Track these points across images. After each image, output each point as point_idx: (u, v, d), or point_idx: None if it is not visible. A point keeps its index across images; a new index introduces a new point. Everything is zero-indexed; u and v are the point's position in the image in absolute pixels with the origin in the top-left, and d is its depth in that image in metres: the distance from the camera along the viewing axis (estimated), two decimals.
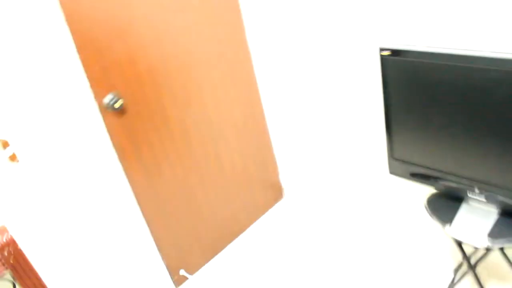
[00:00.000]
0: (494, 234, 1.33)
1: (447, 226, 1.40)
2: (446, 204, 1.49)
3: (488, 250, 1.53)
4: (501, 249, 1.56)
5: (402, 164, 1.55)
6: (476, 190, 1.37)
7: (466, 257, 1.50)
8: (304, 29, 1.84)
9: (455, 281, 1.71)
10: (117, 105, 1.61)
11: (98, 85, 1.57)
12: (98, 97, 1.58)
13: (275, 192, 2.43)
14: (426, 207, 1.53)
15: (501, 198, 1.32)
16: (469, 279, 1.69)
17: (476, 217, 1.40)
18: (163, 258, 1.91)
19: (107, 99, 1.59)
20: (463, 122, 1.29)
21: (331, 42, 1.77)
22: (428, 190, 1.58)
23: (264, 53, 2.07)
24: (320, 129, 2.06)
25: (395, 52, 1.36)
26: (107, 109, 1.61)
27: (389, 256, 1.92)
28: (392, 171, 1.61)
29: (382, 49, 1.39)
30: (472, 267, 1.53)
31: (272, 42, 2.01)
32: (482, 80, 1.19)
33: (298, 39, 1.89)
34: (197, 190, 2.01)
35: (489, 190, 1.34)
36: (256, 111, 2.21)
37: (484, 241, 1.32)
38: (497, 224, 1.36)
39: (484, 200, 1.37)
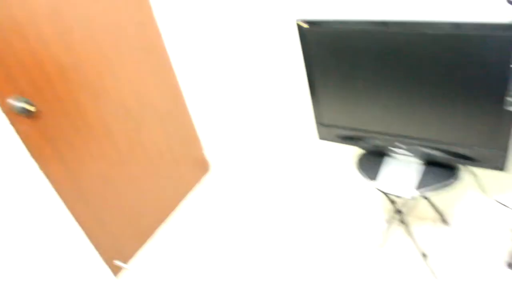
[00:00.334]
0: (418, 184, 1.46)
1: (375, 180, 1.52)
2: (374, 162, 1.60)
3: (413, 199, 1.68)
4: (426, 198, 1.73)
5: (330, 128, 1.62)
6: (400, 145, 1.49)
7: (395, 207, 1.65)
8: (218, 6, 1.79)
9: (388, 229, 1.88)
10: (29, 109, 1.48)
11: (2, 90, 1.43)
12: (3, 102, 1.44)
13: (202, 168, 2.43)
14: (355, 166, 1.63)
15: (422, 149, 1.45)
16: (399, 227, 1.87)
17: (401, 170, 1.53)
18: (97, 250, 1.85)
19: (15, 103, 1.46)
20: (383, 82, 1.37)
21: (247, 16, 1.74)
22: (358, 150, 1.68)
23: (178, 33, 2.00)
24: (244, 102, 2.06)
25: (313, 24, 1.39)
26: (19, 114, 1.47)
27: (324, 216, 2.04)
28: (322, 137, 1.68)
29: (299, 22, 1.41)
30: (401, 216, 1.69)
31: (185, 20, 1.94)
32: (396, 43, 1.26)
33: (212, 15, 1.84)
34: (123, 179, 1.94)
35: (411, 143, 1.46)
36: (175, 93, 2.15)
37: (408, 192, 1.45)
38: (420, 175, 1.49)
39: (408, 153, 1.49)
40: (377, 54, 1.32)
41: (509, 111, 1.20)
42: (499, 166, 1.33)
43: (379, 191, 1.58)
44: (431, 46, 1.21)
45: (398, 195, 1.47)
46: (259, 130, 2.13)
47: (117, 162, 1.92)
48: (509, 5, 1.00)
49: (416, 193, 1.44)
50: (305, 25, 1.39)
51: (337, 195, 2.11)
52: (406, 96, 1.36)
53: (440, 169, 1.49)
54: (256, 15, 1.70)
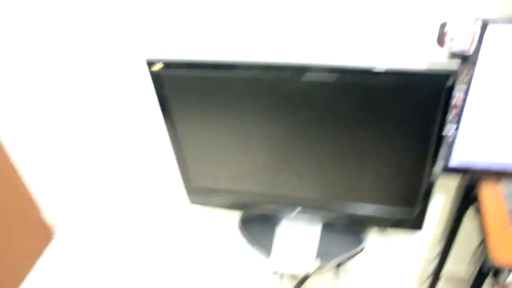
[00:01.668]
0: (322, 254, 1.18)
1: (269, 257, 1.19)
2: (262, 229, 1.28)
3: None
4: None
5: (204, 192, 1.24)
6: (296, 210, 1.18)
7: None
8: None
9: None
10: None
11: None
12: None
13: (44, 235, 1.85)
14: (241, 233, 1.28)
15: (324, 212, 1.16)
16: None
17: (298, 239, 1.23)
18: None
19: None
20: (268, 132, 1.04)
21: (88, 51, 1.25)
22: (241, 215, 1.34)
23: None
24: (95, 153, 1.56)
25: (169, 64, 0.98)
26: None
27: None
28: (194, 201, 1.29)
29: (150, 63, 0.99)
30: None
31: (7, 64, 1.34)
32: (278, 90, 0.94)
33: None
34: None
35: (309, 207, 1.16)
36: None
37: (307, 266, 1.16)
38: (321, 242, 1.21)
39: (305, 219, 1.20)
40: (253, 100, 0.98)
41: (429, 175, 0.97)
42: (417, 225, 1.12)
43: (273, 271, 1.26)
44: (335, 96, 0.91)
45: (299, 272, 1.17)
46: (116, 187, 1.64)
47: None
48: (437, 45, 0.74)
49: (317, 266, 1.15)
50: (158, 66, 0.98)
51: (218, 269, 1.74)
52: (302, 149, 1.05)
53: (344, 233, 1.23)
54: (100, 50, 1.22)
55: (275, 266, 1.18)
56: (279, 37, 1.06)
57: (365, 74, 0.85)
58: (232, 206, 1.25)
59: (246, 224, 1.31)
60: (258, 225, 1.29)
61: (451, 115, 0.80)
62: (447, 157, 0.86)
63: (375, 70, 0.84)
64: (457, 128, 0.81)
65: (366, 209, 1.12)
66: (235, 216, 1.54)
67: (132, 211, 1.70)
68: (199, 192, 1.24)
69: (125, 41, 1.18)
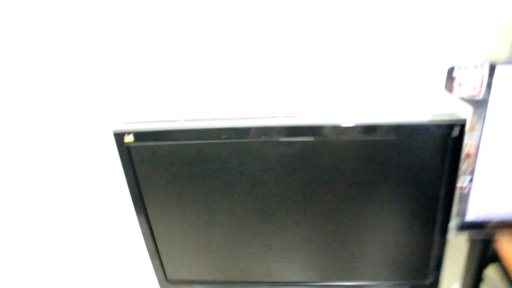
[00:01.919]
0: None
1: None
2: None
3: None
4: None
5: (183, 286, 1.06)
6: None
7: None
8: None
9: None
10: None
11: None
12: None
13: None
14: None
15: None
16: None
17: None
18: None
19: None
20: (247, 217, 0.91)
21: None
22: None
23: None
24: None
25: (142, 136, 0.86)
26: None
27: None
28: None
29: (118, 134, 0.85)
30: None
31: None
32: (262, 156, 0.84)
33: None
34: None
35: None
36: None
37: None
38: None
39: None
40: (237, 172, 0.87)
41: (442, 236, 0.89)
42: None
43: None
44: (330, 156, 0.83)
45: None
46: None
47: None
48: (446, 92, 0.69)
49: None
50: (129, 139, 0.85)
51: None
52: (293, 227, 0.92)
53: None
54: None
55: None
56: (265, 95, 0.98)
57: (365, 131, 0.79)
58: None
59: None
60: None
61: (464, 165, 0.74)
62: (463, 212, 0.78)
63: (373, 125, 0.78)
64: (471, 179, 0.75)
65: None
66: None
67: None
68: (177, 286, 1.06)
69: (83, 109, 1.04)
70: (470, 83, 0.68)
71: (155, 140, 0.85)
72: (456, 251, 1.10)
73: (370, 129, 0.78)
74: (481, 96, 0.68)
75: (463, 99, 0.69)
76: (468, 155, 0.73)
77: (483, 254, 0.87)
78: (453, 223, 0.81)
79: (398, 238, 0.91)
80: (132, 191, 0.92)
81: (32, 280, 1.33)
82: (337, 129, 0.79)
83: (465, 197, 0.77)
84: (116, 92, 0.99)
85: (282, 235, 0.94)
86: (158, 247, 0.99)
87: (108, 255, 1.25)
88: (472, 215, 0.79)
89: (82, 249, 1.25)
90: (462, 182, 0.76)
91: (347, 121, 0.78)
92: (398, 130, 0.78)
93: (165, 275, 1.04)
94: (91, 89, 0.99)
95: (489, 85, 0.67)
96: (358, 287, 1.00)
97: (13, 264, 1.29)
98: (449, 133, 0.77)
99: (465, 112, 0.75)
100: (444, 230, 0.88)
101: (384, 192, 0.85)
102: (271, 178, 0.86)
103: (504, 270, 0.85)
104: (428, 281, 0.96)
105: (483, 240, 0.87)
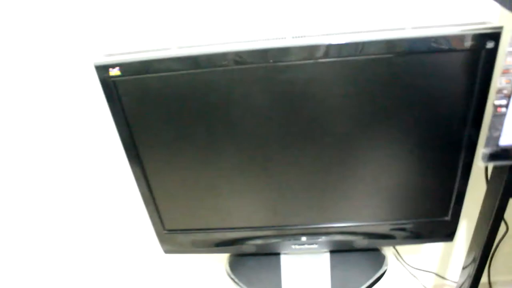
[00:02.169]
0: (337, 285, 0.96)
1: None
2: (257, 269, 1.03)
3: None
4: None
5: (181, 235, 0.98)
6: (300, 240, 0.96)
7: None
8: None
9: None
10: None
11: None
12: None
13: None
14: (232, 277, 1.03)
15: (337, 237, 0.95)
16: None
17: (307, 274, 1.00)
18: None
19: None
20: (250, 152, 0.82)
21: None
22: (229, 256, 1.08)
23: None
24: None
25: (125, 69, 0.74)
26: None
27: None
28: (169, 250, 1.02)
29: (101, 67, 0.73)
30: None
31: None
32: (275, 85, 0.74)
33: None
34: None
35: (318, 233, 0.95)
36: None
37: None
38: (334, 272, 0.99)
39: (314, 246, 0.97)
40: (242, 104, 0.77)
41: (467, 166, 0.81)
42: (448, 236, 0.94)
43: None
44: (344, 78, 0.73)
45: None
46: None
47: None
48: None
49: None
50: (114, 73, 0.73)
51: None
52: (305, 159, 0.84)
53: (359, 257, 1.03)
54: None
55: None
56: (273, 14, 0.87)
57: (387, 46, 0.69)
58: (219, 248, 1.00)
59: (237, 267, 1.06)
60: (251, 265, 1.05)
61: (502, 82, 0.65)
62: (496, 137, 0.70)
63: (397, 39, 0.68)
64: (510, 98, 0.66)
65: (384, 227, 0.93)
66: (219, 262, 1.28)
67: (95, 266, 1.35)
68: (175, 236, 0.97)
69: (59, 39, 0.90)
70: None
71: (145, 72, 0.74)
72: (475, 188, 1.04)
73: (393, 44, 0.68)
74: None
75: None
76: (507, 70, 0.64)
77: (506, 188, 0.80)
78: (484, 151, 0.73)
79: (419, 171, 0.84)
80: (121, 134, 0.81)
81: (25, 229, 1.23)
82: (355, 46, 0.69)
83: (500, 119, 0.68)
84: (95, 20, 0.86)
85: (289, 173, 0.85)
86: (154, 193, 0.89)
87: (98, 207, 1.16)
88: (505, 141, 0.71)
89: (71, 202, 1.15)
90: (498, 100, 0.67)
91: (366, 36, 0.68)
92: (422, 43, 0.68)
93: (162, 224, 0.95)
94: (66, 17, 0.85)
95: None
96: (376, 226, 0.93)
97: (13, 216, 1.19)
98: (483, 45, 0.68)
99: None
100: (469, 161, 0.81)
101: (405, 119, 0.77)
102: (278, 110, 0.76)
103: None
104: (448, 217, 0.90)
105: (507, 171, 0.79)
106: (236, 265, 1.06)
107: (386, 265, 1.01)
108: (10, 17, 0.85)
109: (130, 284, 1.35)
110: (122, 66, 0.73)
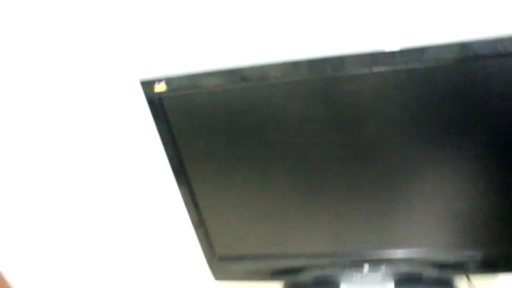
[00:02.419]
0: None
1: None
2: None
3: None
4: None
5: (233, 262, 0.91)
6: (362, 269, 0.85)
7: None
8: None
9: None
10: None
11: None
12: None
13: None
14: None
15: (403, 267, 0.84)
16: None
17: None
18: None
19: None
20: (308, 173, 0.74)
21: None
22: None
23: None
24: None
25: (171, 84, 0.69)
26: None
27: None
28: (220, 277, 0.95)
29: (146, 83, 0.70)
30: None
31: None
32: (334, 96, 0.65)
33: None
34: None
35: (381, 260, 0.84)
36: None
37: None
38: None
39: (377, 275, 0.86)
40: (293, 122, 0.69)
41: None
42: None
43: None
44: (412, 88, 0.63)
45: None
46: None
47: None
48: None
49: None
50: (160, 88, 0.69)
51: None
52: (365, 182, 0.74)
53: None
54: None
55: None
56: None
57: (435, 55, 0.59)
58: (273, 276, 0.92)
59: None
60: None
61: None
62: None
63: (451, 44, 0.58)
64: None
65: (452, 255, 0.80)
66: None
67: None
68: (227, 262, 0.91)
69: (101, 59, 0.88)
70: None
71: (192, 88, 0.69)
72: None
73: (465, 47, 0.58)
74: None
75: None
76: None
77: None
78: None
79: (491, 192, 0.71)
80: (168, 153, 0.76)
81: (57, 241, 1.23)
82: (420, 51, 0.59)
83: None
84: (140, 43, 0.83)
85: (349, 195, 0.76)
86: (204, 216, 0.83)
87: (147, 231, 1.12)
88: None
89: (121, 226, 1.12)
90: None
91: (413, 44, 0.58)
92: (495, 45, 0.57)
93: (212, 250, 0.89)
94: (112, 34, 0.83)
95: None
96: (443, 253, 0.81)
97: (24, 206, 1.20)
98: None
99: None
100: None
101: (477, 134, 0.65)
102: (335, 127, 0.68)
103: None
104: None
105: None
106: None
107: None
108: (57, 32, 0.84)
109: None
110: (168, 81, 0.69)
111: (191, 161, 0.77)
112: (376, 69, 0.62)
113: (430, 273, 0.84)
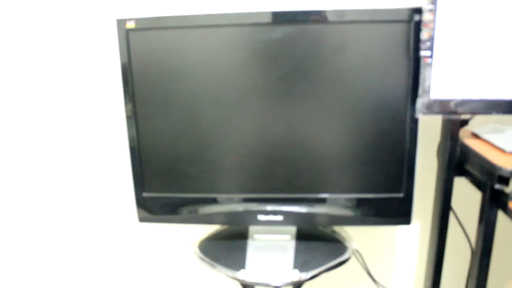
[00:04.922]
0: (300, 265, 0.97)
1: (240, 271, 0.96)
2: (228, 245, 1.06)
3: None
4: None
5: (157, 201, 1.05)
6: (268, 208, 1.02)
7: None
8: None
9: None
10: None
11: None
12: None
13: None
14: (201, 257, 1.04)
15: (304, 210, 1.01)
16: None
17: (273, 250, 1.03)
18: None
19: None
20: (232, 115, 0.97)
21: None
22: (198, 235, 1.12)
23: None
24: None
25: (140, 24, 0.96)
26: None
27: None
28: (144, 217, 1.07)
29: (120, 21, 0.96)
30: None
31: None
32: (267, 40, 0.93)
33: None
34: None
35: (285, 203, 1.01)
36: None
37: (290, 277, 0.94)
38: (298, 253, 1.02)
39: (279, 219, 1.02)
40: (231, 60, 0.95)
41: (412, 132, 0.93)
42: (404, 217, 0.99)
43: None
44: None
45: (276, 284, 0.94)
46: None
47: None
48: None
49: (301, 277, 0.94)
50: (131, 25, 0.96)
51: None
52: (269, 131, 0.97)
53: (322, 244, 1.06)
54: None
55: (246, 278, 0.95)
56: None
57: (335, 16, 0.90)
58: (189, 215, 1.05)
59: (206, 248, 1.08)
60: (220, 247, 1.08)
61: (424, 34, 0.83)
62: (427, 88, 0.85)
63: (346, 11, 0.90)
64: (432, 48, 0.83)
65: (341, 201, 1.00)
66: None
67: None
68: (152, 201, 1.05)
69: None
70: None
71: (152, 28, 0.96)
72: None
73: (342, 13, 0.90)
74: None
75: None
76: (426, 24, 0.83)
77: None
78: (419, 102, 0.87)
79: (368, 139, 0.95)
80: (124, 75, 0.98)
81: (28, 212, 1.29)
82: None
83: (428, 69, 0.84)
84: None
85: (256, 133, 0.98)
86: (139, 131, 1.02)
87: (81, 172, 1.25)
88: (436, 93, 0.85)
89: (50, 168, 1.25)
90: (424, 51, 0.84)
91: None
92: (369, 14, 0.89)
93: (142, 186, 1.04)
94: None
95: None
96: (329, 200, 1.00)
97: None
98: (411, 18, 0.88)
99: None
100: (414, 127, 0.93)
101: (352, 84, 0.93)
102: (253, 66, 0.95)
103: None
104: (401, 194, 0.97)
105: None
106: (206, 248, 1.09)
107: (348, 254, 1.03)
108: None
109: (103, 253, 1.32)
110: (137, 20, 0.96)
111: (139, 84, 0.99)
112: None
113: (322, 220, 1.01)
